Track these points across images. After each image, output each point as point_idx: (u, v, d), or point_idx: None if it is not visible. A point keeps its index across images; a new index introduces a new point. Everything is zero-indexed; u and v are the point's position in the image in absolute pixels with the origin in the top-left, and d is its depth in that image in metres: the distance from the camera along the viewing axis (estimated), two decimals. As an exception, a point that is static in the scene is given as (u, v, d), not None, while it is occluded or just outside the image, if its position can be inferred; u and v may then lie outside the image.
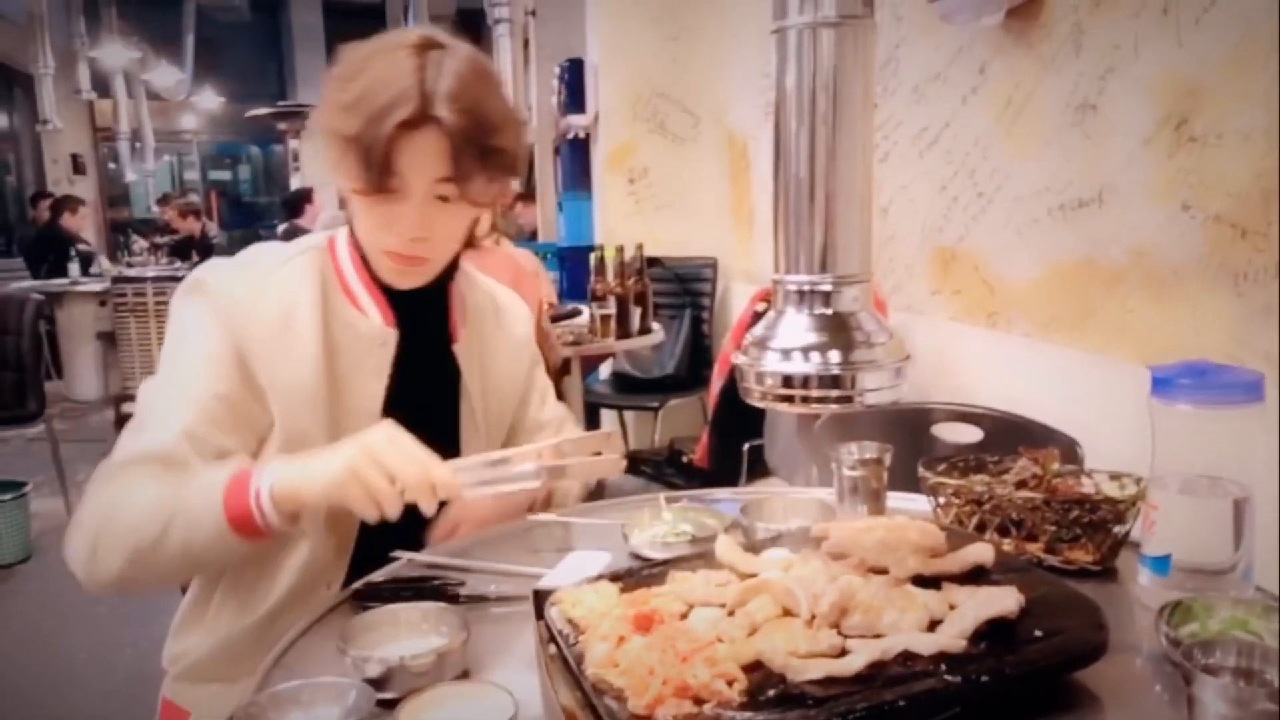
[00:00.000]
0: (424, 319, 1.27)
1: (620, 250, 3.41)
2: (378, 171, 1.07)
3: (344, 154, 1.09)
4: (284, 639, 1.00)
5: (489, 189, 1.14)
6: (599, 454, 1.13)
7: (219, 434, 1.12)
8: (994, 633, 0.81)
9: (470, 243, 1.29)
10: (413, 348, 1.24)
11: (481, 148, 1.09)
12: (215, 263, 1.22)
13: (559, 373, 2.61)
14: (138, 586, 1.08)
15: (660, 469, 3.23)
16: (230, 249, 6.70)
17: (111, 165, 11.77)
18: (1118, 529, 1.07)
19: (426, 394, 1.28)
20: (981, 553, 0.94)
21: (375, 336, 1.21)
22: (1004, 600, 0.83)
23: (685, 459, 3.22)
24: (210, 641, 1.20)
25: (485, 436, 1.33)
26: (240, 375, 1.13)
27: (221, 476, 1.04)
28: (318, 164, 1.17)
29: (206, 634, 1.21)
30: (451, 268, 1.27)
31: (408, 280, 1.21)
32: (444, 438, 1.23)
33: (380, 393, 1.21)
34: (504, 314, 1.40)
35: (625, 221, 4.17)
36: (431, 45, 1.10)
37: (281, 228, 7.11)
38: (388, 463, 0.99)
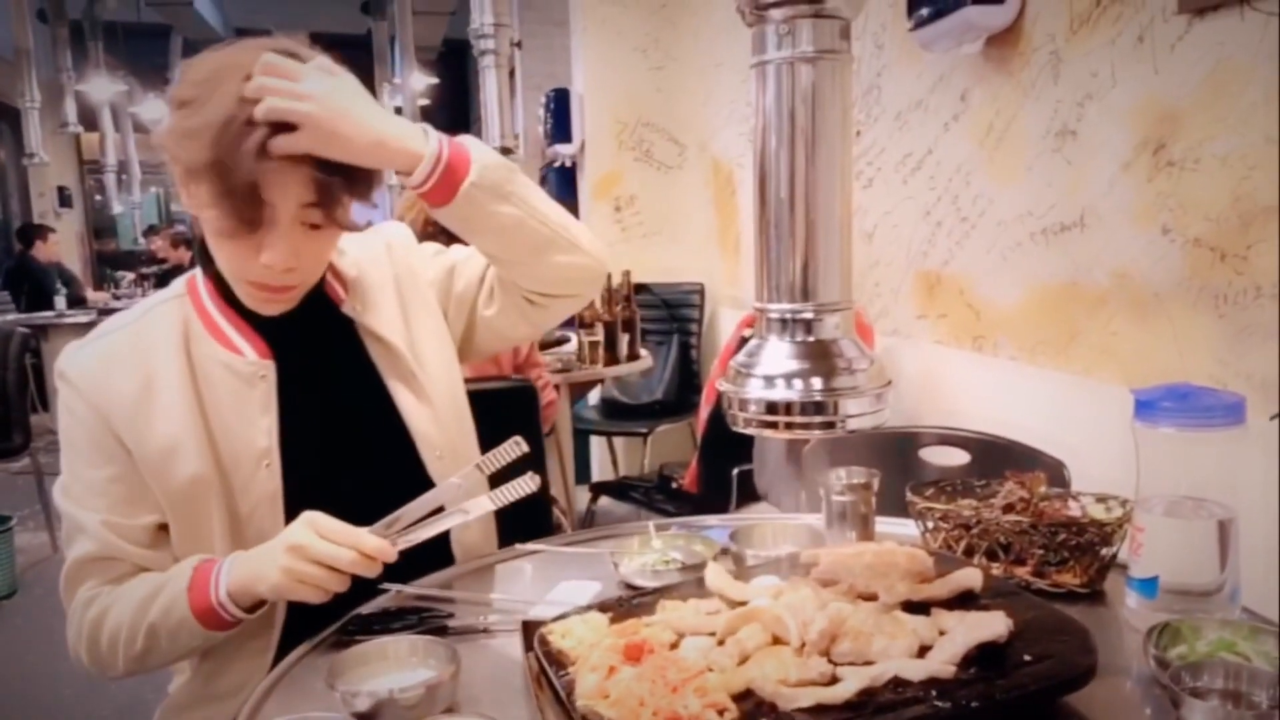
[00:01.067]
0: (303, 341, 1.19)
1: (608, 277, 3.42)
2: (244, 204, 1.00)
3: (199, 185, 1.02)
4: (271, 675, 1.00)
5: (350, 210, 1.10)
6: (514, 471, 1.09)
7: (133, 513, 1.13)
8: (983, 657, 0.81)
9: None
10: (298, 375, 1.18)
11: (345, 169, 1.03)
12: (71, 347, 1.17)
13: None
14: (149, 670, 1.14)
15: (649, 495, 3.23)
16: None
17: (98, 198, 11.77)
18: (1105, 551, 1.08)
19: (326, 421, 1.20)
20: (970, 577, 0.95)
21: (252, 371, 1.15)
22: (993, 625, 0.83)
23: (674, 484, 3.22)
24: (195, 661, 1.20)
25: (430, 400, 1.25)
26: (123, 452, 1.12)
27: (181, 585, 1.08)
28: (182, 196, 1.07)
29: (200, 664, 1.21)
30: (314, 289, 1.20)
31: (275, 308, 1.15)
32: (372, 442, 1.21)
33: (272, 429, 1.15)
34: (386, 252, 1.30)
35: (612, 248, 4.15)
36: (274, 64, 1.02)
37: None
38: (317, 555, 1.01)
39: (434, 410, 1.26)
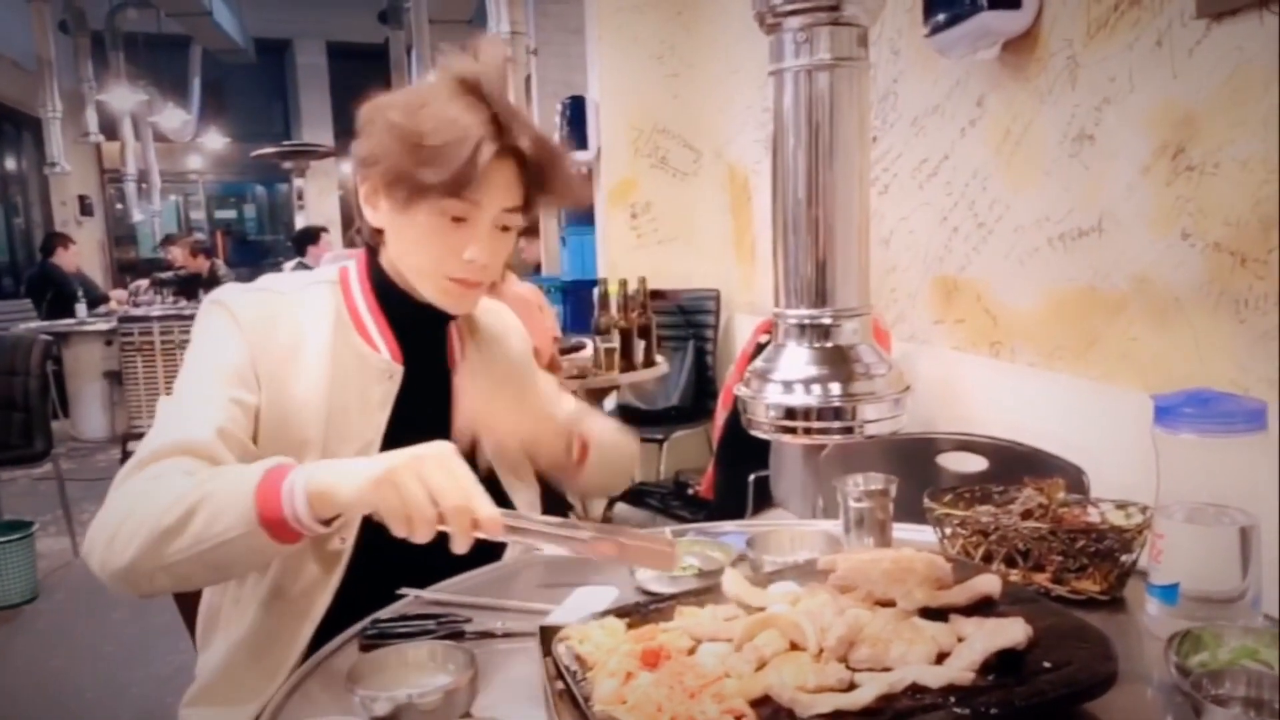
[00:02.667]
0: (428, 353, 1.29)
1: (624, 284, 3.42)
2: (467, 198, 1.11)
3: (413, 188, 1.12)
4: (292, 678, 1.00)
5: (556, 202, 1.21)
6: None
7: (245, 439, 1.12)
8: (1002, 664, 0.80)
9: None
10: (416, 383, 1.25)
11: (549, 176, 1.16)
12: (233, 285, 1.23)
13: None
14: (148, 581, 1.01)
15: (666, 501, 3.23)
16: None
17: (118, 206, 11.89)
18: (1125, 558, 1.07)
19: (428, 429, 1.26)
20: (988, 584, 0.94)
21: (384, 370, 1.23)
22: (1012, 631, 0.82)
23: (691, 491, 3.22)
24: (218, 656, 1.19)
25: (498, 465, 1.33)
26: (256, 387, 1.15)
27: (255, 467, 1.01)
28: (371, 205, 1.21)
29: (222, 641, 1.21)
30: None
31: (464, 305, 1.24)
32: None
33: (383, 424, 1.22)
34: (500, 333, 1.43)
35: (628, 255, 4.19)
36: (477, 85, 1.15)
37: (289, 266, 7.15)
38: (432, 481, 0.93)
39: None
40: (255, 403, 1.15)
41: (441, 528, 0.94)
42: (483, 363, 1.36)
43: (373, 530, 1.19)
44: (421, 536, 0.94)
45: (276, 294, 1.22)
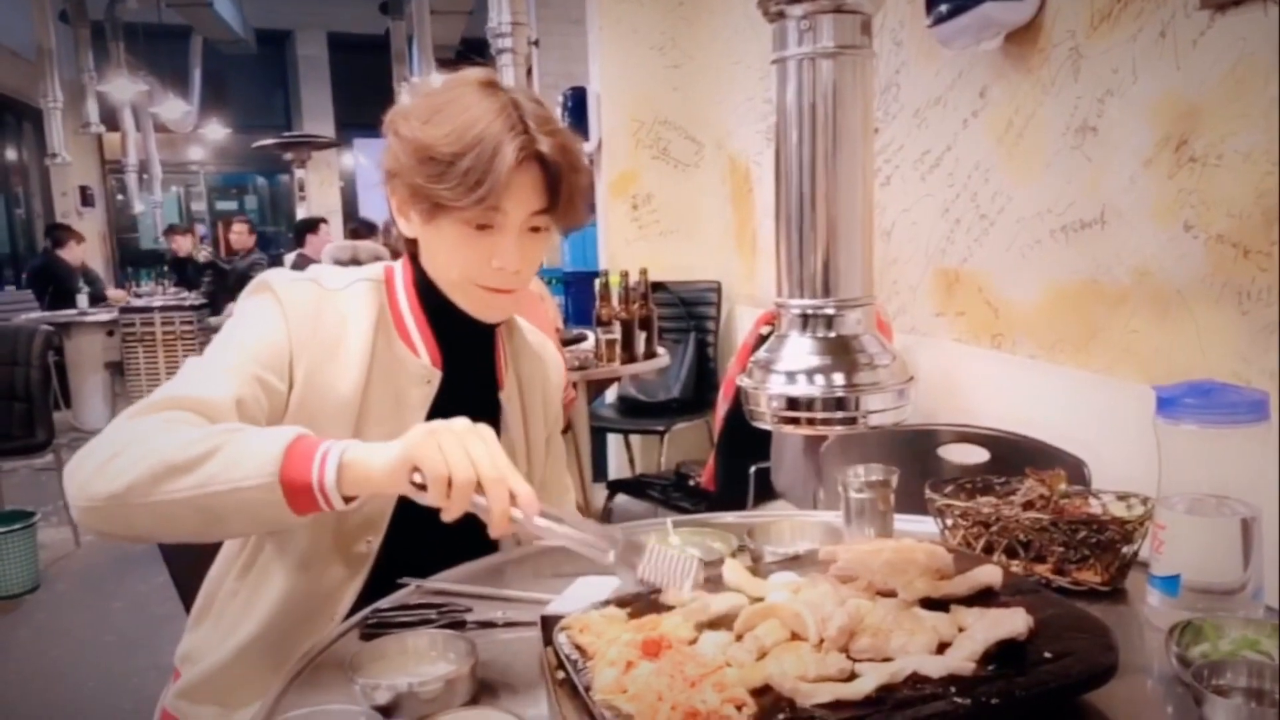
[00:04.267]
0: (470, 364, 1.27)
1: (625, 275, 3.42)
2: (488, 207, 1.09)
3: (450, 192, 1.08)
4: (291, 666, 1.00)
5: (577, 217, 1.18)
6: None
7: (260, 416, 1.10)
8: (1003, 655, 0.81)
9: None
10: (454, 392, 1.23)
11: (573, 178, 1.13)
12: (282, 270, 1.23)
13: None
14: (127, 516, 0.95)
15: (667, 493, 3.23)
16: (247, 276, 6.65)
17: (119, 197, 11.86)
18: (1126, 549, 1.07)
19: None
20: (990, 574, 0.94)
21: (422, 373, 1.22)
22: (1013, 622, 0.82)
23: (692, 482, 3.22)
24: (215, 652, 1.19)
25: (534, 456, 1.34)
26: (287, 376, 1.14)
27: (289, 429, 0.97)
28: (403, 217, 1.18)
29: (214, 630, 1.21)
30: None
31: (499, 314, 1.23)
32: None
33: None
34: (546, 363, 1.41)
35: (629, 247, 4.19)
36: (497, 85, 1.14)
37: (289, 257, 7.14)
38: (474, 450, 0.90)
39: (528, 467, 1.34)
40: (282, 389, 1.13)
41: (477, 500, 0.89)
42: (519, 381, 1.35)
43: (399, 534, 1.19)
44: (457, 507, 0.90)
45: (323, 288, 1.21)
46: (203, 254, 7.67)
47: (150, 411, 1.02)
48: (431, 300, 1.22)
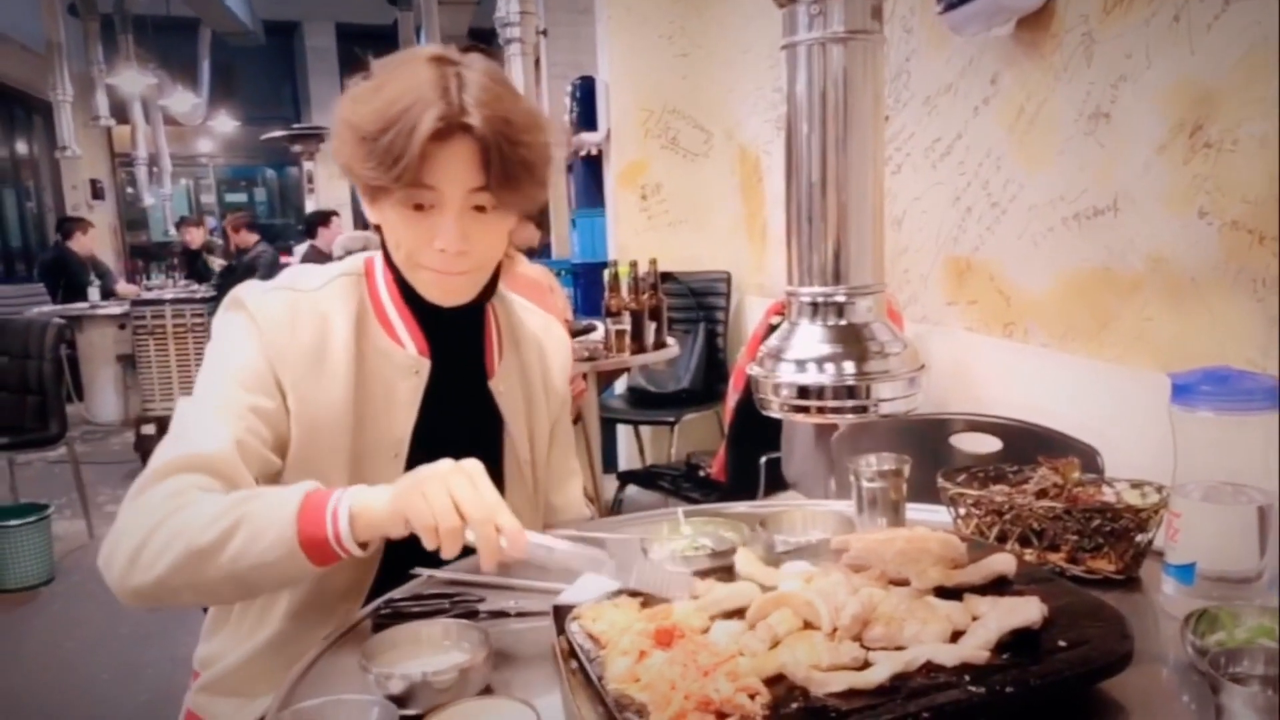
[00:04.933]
0: (459, 349, 1.25)
1: (634, 266, 3.42)
2: (409, 183, 1.05)
3: (372, 172, 1.06)
4: (306, 656, 1.00)
5: (523, 195, 1.12)
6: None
7: (263, 448, 1.10)
8: (1018, 643, 0.80)
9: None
10: (446, 379, 1.22)
11: (512, 153, 1.07)
12: (254, 283, 1.21)
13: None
14: (170, 597, 1.00)
15: (677, 483, 3.23)
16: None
17: (129, 190, 11.90)
18: (1140, 538, 1.06)
19: (460, 429, 1.23)
20: (1003, 563, 0.94)
21: (409, 365, 1.20)
22: (1027, 610, 0.82)
23: (702, 473, 3.22)
24: (234, 652, 1.20)
25: (529, 482, 1.31)
26: (276, 392, 1.13)
27: (296, 490, 0.99)
28: (366, 201, 1.16)
29: (231, 637, 1.22)
30: (489, 289, 1.24)
31: (451, 297, 1.18)
32: (494, 444, 1.23)
33: (410, 422, 1.19)
34: (548, 347, 1.37)
35: (638, 237, 4.18)
36: (447, 59, 1.10)
37: (300, 249, 7.16)
38: (458, 493, 0.93)
39: (527, 489, 1.32)
40: (275, 406, 1.12)
41: (469, 541, 0.93)
42: (517, 368, 1.32)
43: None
44: (450, 548, 0.93)
45: (299, 292, 1.18)
46: (217, 264, 7.69)
47: (156, 481, 1.03)
48: (412, 289, 1.19)
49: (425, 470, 0.96)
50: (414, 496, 0.93)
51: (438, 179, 1.07)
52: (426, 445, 1.18)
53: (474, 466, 0.96)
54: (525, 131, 1.09)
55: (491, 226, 1.14)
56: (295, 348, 1.14)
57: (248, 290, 1.18)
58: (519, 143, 1.08)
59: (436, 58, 1.09)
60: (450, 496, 0.92)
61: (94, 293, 6.95)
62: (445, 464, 0.96)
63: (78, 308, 6.63)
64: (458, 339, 1.25)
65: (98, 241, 8.19)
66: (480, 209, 1.11)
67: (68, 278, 7.29)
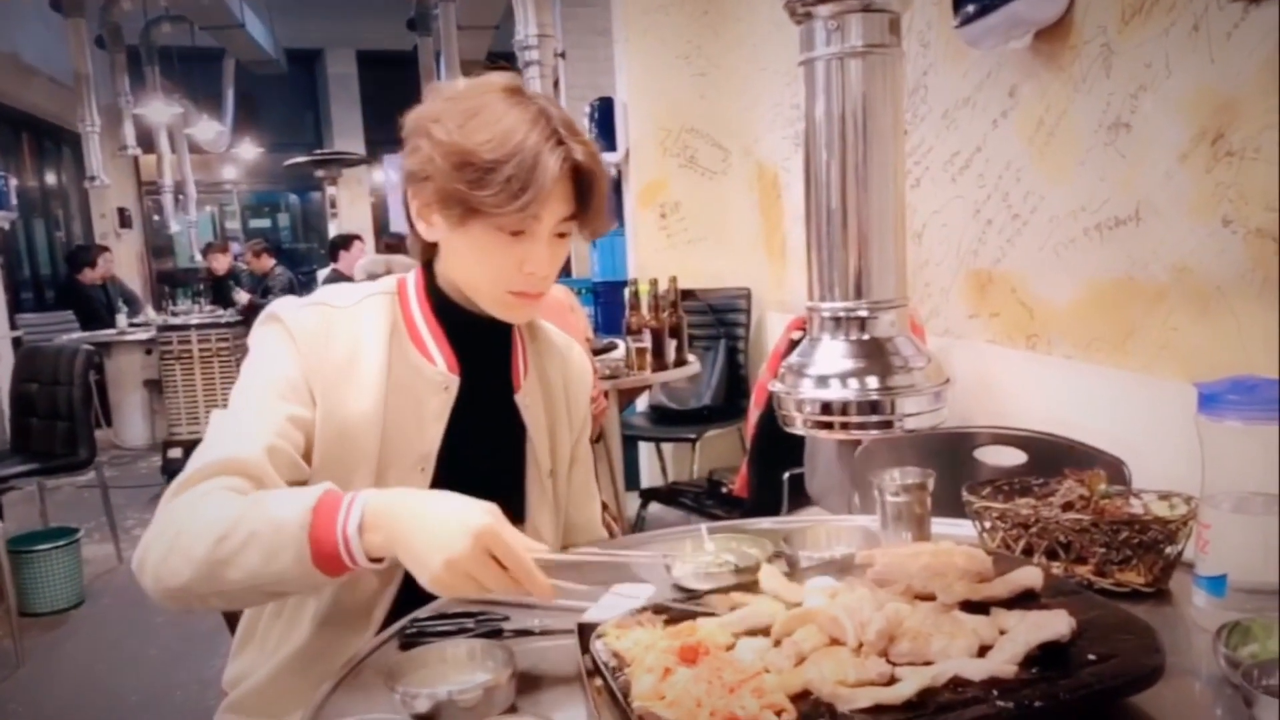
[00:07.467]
0: (488, 365, 1.28)
1: (654, 284, 3.42)
2: (529, 216, 1.10)
3: (492, 199, 1.08)
4: (332, 677, 1.01)
5: (603, 222, 1.20)
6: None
7: (295, 455, 1.13)
8: (1046, 657, 0.79)
9: None
10: (474, 397, 1.24)
11: (598, 185, 1.15)
12: (290, 299, 1.24)
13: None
14: (199, 601, 1.03)
15: (700, 500, 3.22)
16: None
17: (156, 218, 12.06)
18: (1169, 549, 1.05)
19: (485, 441, 1.27)
20: (1030, 576, 0.93)
21: (439, 381, 1.22)
22: (1055, 624, 0.81)
23: (724, 490, 3.21)
24: (262, 669, 1.21)
25: (552, 499, 1.33)
26: (310, 402, 1.15)
27: (305, 504, 0.99)
28: (424, 221, 1.18)
29: (259, 652, 1.23)
30: None
31: (522, 316, 1.24)
32: (505, 492, 1.21)
33: (438, 437, 1.21)
34: (571, 365, 1.40)
35: (658, 255, 4.19)
36: (522, 90, 1.15)
37: (323, 273, 7.22)
38: (484, 580, 0.94)
39: (549, 506, 1.33)
40: (311, 415, 1.15)
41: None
42: (542, 381, 1.34)
43: None
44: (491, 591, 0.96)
45: (332, 307, 1.22)
46: (242, 297, 7.80)
47: (189, 486, 1.05)
48: (445, 306, 1.23)
49: (454, 556, 0.93)
50: (448, 583, 0.94)
51: (543, 209, 1.11)
52: (452, 458, 1.21)
53: (490, 528, 0.94)
54: (600, 163, 1.16)
55: (565, 250, 1.20)
56: (328, 360, 1.17)
57: (283, 305, 1.21)
58: (602, 175, 1.16)
59: (514, 89, 1.14)
60: (480, 586, 0.94)
61: (121, 319, 7.04)
62: (462, 539, 0.93)
63: (106, 334, 6.72)
64: (487, 355, 1.28)
65: (124, 269, 8.29)
66: (561, 235, 1.17)
67: (79, 309, 7.40)
